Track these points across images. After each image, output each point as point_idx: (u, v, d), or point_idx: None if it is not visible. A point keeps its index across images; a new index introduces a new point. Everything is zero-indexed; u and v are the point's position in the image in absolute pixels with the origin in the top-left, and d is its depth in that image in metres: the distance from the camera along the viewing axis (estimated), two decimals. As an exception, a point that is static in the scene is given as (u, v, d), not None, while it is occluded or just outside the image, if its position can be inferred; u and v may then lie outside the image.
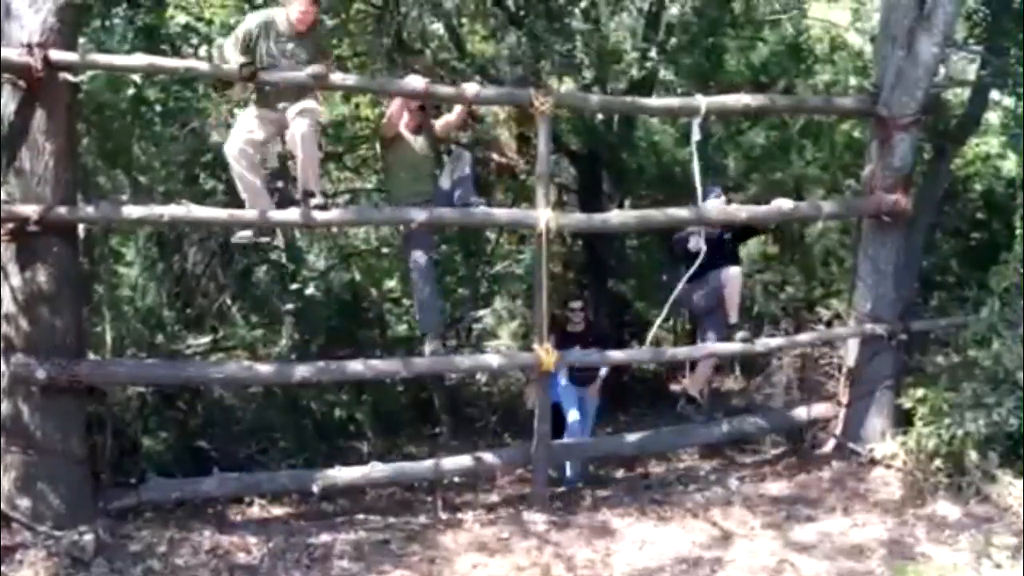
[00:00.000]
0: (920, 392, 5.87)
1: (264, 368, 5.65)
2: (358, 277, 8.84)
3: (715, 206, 6.01)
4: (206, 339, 7.12)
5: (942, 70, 8.03)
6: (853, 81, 8.90)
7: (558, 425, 6.24)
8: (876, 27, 6.88)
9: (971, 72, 7.50)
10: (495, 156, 9.46)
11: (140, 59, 5.09)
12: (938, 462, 5.70)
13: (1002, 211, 8.19)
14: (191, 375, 5.65)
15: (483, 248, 9.70)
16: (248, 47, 5.11)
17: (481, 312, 9.74)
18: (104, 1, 5.61)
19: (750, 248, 8.46)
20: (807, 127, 7.64)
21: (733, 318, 6.26)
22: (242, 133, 5.28)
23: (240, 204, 5.35)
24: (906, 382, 6.25)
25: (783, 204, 6.13)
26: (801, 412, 6.77)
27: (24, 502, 4.88)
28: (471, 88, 5.55)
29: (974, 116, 7.07)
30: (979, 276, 6.40)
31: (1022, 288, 5.93)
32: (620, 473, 6.58)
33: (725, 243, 6.26)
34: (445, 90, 5.76)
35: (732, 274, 6.17)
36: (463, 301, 9.32)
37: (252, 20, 5.22)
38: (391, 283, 9.34)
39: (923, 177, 7.11)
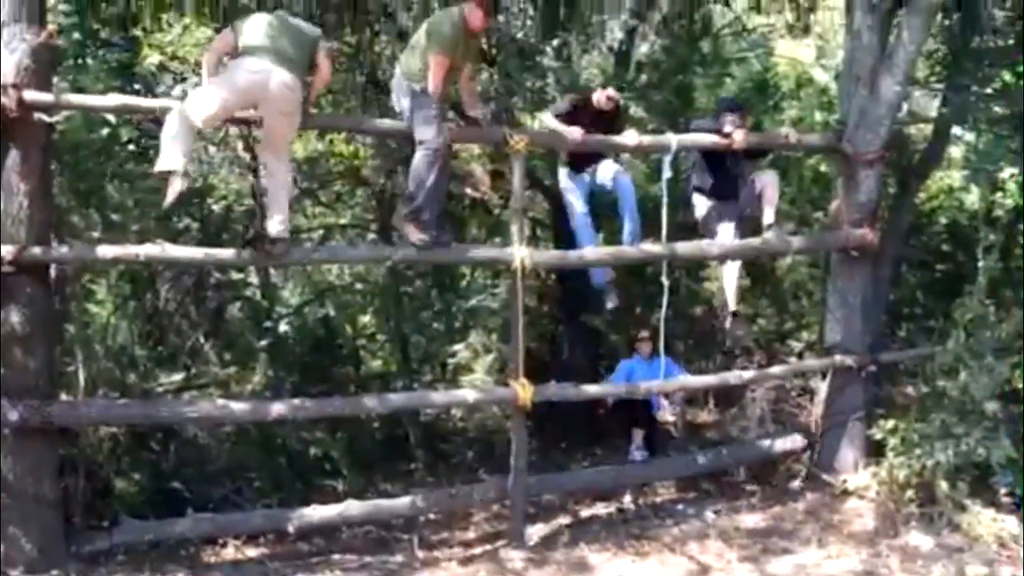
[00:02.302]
0: (890, 423, 5.97)
1: (238, 406, 5.61)
2: (332, 313, 8.83)
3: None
4: (179, 377, 7.09)
5: (905, 107, 8.26)
6: (819, 116, 9.09)
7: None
8: (841, 64, 7.06)
9: (934, 108, 7.69)
10: (469, 191, 9.52)
11: (114, 99, 5.12)
12: (910, 493, 5.79)
13: (966, 243, 8.35)
14: (164, 414, 5.59)
15: (458, 282, 9.74)
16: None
17: (456, 347, 9.76)
18: (79, 42, 5.61)
19: (722, 281, 8.57)
20: (775, 162, 7.78)
21: (770, 217, 6.30)
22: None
23: (214, 243, 5.36)
24: (877, 413, 6.34)
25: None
26: (775, 444, 6.84)
27: (-5, 546, 4.82)
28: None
29: (936, 152, 7.25)
30: (945, 307, 6.52)
31: (986, 319, 6.05)
32: (596, 507, 6.57)
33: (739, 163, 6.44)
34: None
35: (768, 177, 6.36)
36: (438, 335, 9.33)
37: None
38: (366, 319, 9.34)
39: (889, 211, 7.27)
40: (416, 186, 5.40)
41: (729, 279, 6.50)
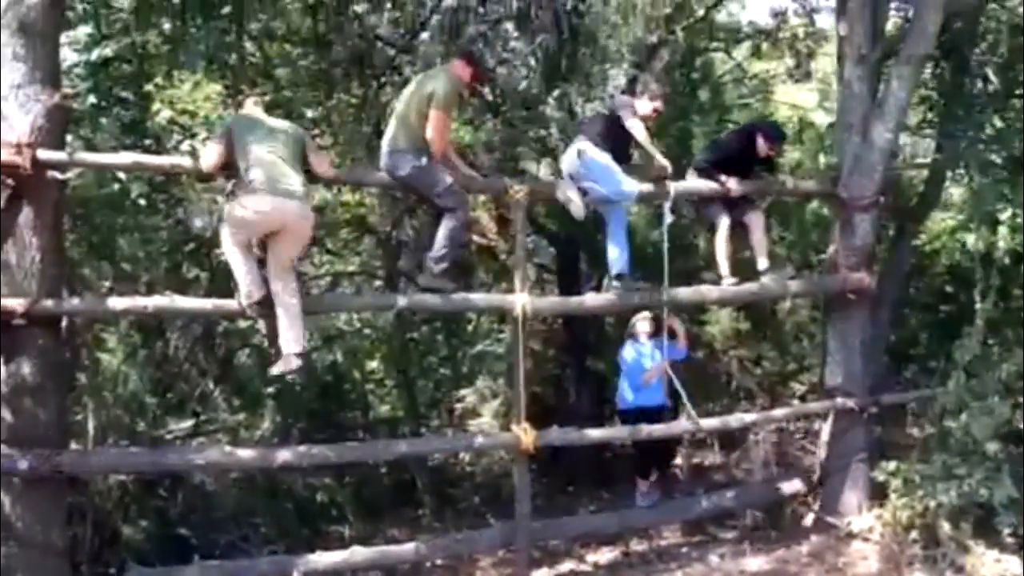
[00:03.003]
0: (892, 465, 5.98)
1: (245, 453, 5.70)
2: (340, 359, 8.93)
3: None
4: (188, 423, 7.17)
5: (908, 150, 8.39)
6: (823, 159, 9.21)
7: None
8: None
9: (931, 151, 7.81)
10: (476, 237, 9.67)
11: (126, 157, 5.28)
12: (913, 534, 5.78)
13: (968, 284, 8.41)
14: (172, 462, 5.65)
15: (464, 328, 9.85)
16: None
17: (463, 391, 9.83)
18: (94, 105, 5.79)
19: (723, 325, 8.65)
20: (775, 206, 7.90)
21: (764, 264, 6.38)
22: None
23: (222, 292, 5.47)
24: (880, 455, 6.35)
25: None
26: (779, 487, 6.86)
27: (4, 595, 4.88)
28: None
29: (932, 195, 7.35)
30: (948, 348, 6.56)
31: (986, 360, 6.09)
32: (601, 551, 6.58)
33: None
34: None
35: (755, 219, 6.44)
36: (444, 380, 9.42)
37: None
38: (373, 364, 9.44)
39: (887, 254, 7.35)
40: (451, 249, 5.56)
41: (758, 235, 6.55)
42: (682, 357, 6.72)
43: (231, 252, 5.14)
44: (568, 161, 6.02)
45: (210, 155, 5.09)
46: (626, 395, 6.70)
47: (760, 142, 6.33)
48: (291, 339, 5.12)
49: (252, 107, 5.40)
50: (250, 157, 5.00)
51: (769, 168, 6.69)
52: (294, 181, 5.04)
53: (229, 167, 5.08)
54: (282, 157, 5.07)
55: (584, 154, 5.90)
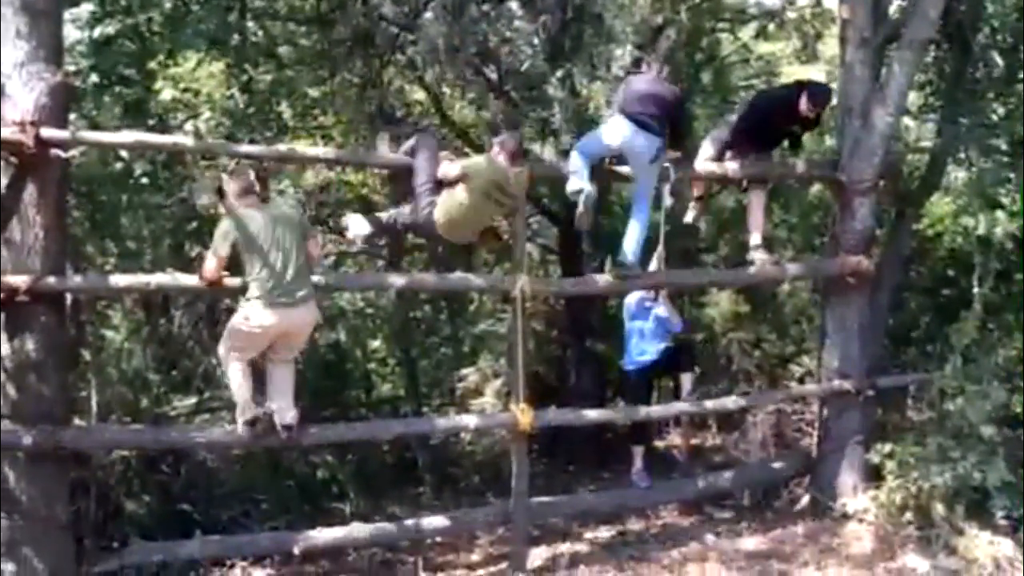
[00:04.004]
0: (888, 447, 6.04)
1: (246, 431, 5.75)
2: (343, 338, 8.98)
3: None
4: (192, 401, 7.23)
5: (912, 135, 8.37)
6: (829, 141, 9.18)
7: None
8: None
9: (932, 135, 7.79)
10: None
11: (129, 136, 5.32)
12: (907, 516, 5.87)
13: (969, 268, 8.42)
14: (175, 439, 5.70)
15: (466, 308, 9.89)
16: None
17: (465, 371, 9.89)
18: (97, 84, 5.82)
19: (723, 307, 8.68)
20: (777, 189, 7.90)
21: (756, 239, 6.37)
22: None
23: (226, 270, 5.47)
24: (876, 437, 6.40)
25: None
26: (776, 468, 6.93)
27: (9, 567, 4.95)
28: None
29: (933, 180, 7.34)
30: (947, 332, 6.59)
31: (983, 344, 6.13)
32: (599, 530, 6.65)
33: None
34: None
35: (756, 198, 6.43)
36: (446, 360, 9.47)
37: None
38: (375, 344, 9.49)
39: (887, 238, 7.36)
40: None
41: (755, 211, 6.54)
42: (678, 330, 6.78)
43: (231, 365, 5.08)
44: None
45: (210, 266, 4.99)
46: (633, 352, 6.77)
47: (804, 101, 6.15)
48: (284, 408, 5.13)
49: (247, 194, 5.11)
50: (254, 262, 4.92)
51: (798, 137, 6.62)
52: (299, 283, 4.98)
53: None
54: (286, 257, 4.96)
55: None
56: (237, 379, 5.07)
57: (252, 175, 5.24)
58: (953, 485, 5.68)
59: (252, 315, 4.92)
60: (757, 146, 6.34)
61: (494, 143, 5.74)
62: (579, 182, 5.74)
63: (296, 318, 5.01)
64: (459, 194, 5.44)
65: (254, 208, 5.08)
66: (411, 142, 5.66)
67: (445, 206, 5.45)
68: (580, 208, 5.77)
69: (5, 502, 4.97)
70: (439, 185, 5.51)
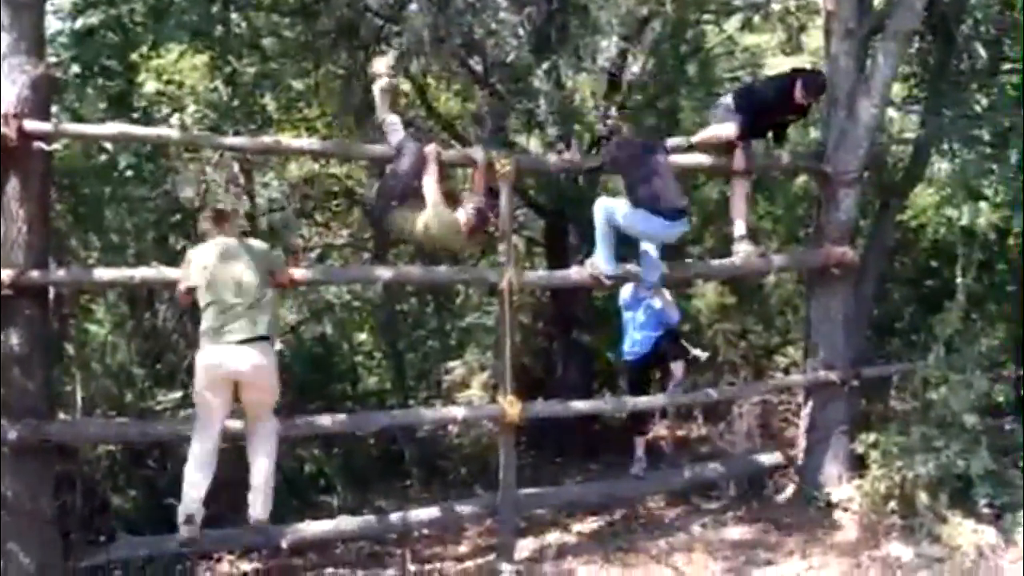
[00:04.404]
0: (872, 437, 6.09)
1: (232, 423, 5.73)
2: (329, 331, 8.96)
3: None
4: (177, 395, 7.20)
5: (896, 127, 8.41)
6: (814, 133, 9.21)
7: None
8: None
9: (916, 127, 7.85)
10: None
11: (112, 128, 5.28)
12: (891, 505, 5.90)
13: (953, 259, 8.48)
14: (161, 432, 5.70)
15: (453, 300, 9.89)
16: None
17: (452, 364, 9.89)
18: (79, 75, 5.77)
19: (708, 299, 8.72)
20: (761, 181, 7.93)
21: (740, 229, 6.32)
22: None
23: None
24: (861, 427, 6.45)
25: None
26: (762, 458, 6.97)
27: (-5, 562, 4.94)
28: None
29: (917, 171, 7.39)
30: (931, 323, 6.65)
31: (966, 334, 6.18)
32: (587, 521, 6.68)
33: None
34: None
35: (739, 188, 6.36)
36: (433, 353, 9.47)
37: None
38: (362, 336, 9.48)
39: (871, 229, 7.41)
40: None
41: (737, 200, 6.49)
42: (675, 321, 6.79)
43: (192, 442, 4.80)
44: None
45: (180, 291, 4.87)
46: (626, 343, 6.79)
47: (799, 89, 6.12)
48: (259, 503, 4.85)
49: (218, 224, 5.00)
50: (205, 296, 4.68)
51: (784, 128, 6.63)
52: (250, 323, 4.64)
53: None
54: (239, 293, 4.66)
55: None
56: (189, 466, 4.73)
57: (226, 206, 5.15)
58: (937, 474, 5.72)
59: (200, 355, 4.68)
60: (749, 136, 6.34)
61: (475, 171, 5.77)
62: (604, 262, 5.85)
63: (242, 359, 4.61)
64: (423, 218, 5.45)
65: (217, 238, 4.90)
66: (398, 138, 5.62)
67: (429, 220, 5.43)
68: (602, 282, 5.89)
69: (-10, 497, 4.95)
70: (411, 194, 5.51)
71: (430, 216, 5.41)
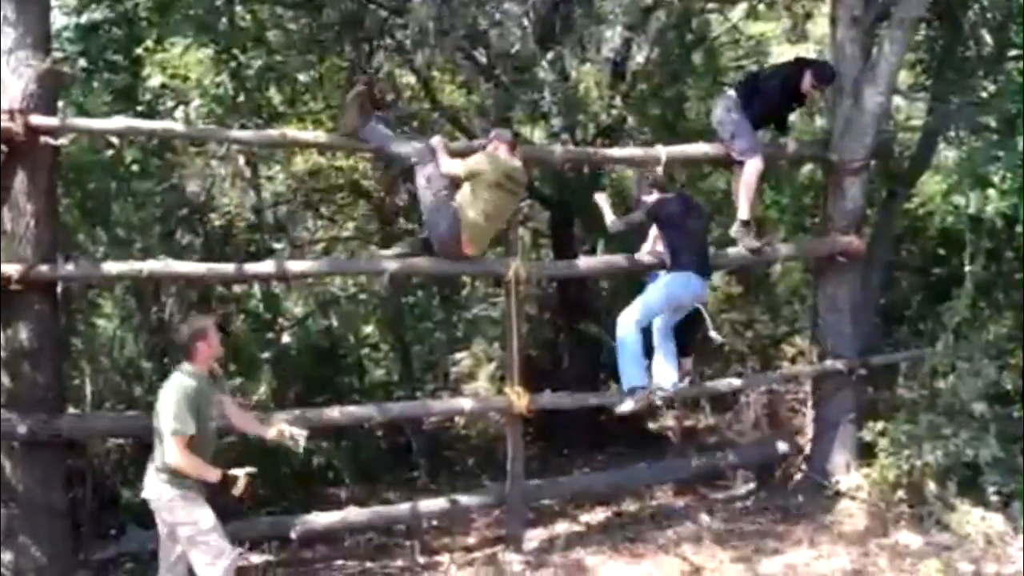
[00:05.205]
0: (880, 425, 6.08)
1: (241, 416, 5.75)
2: (336, 324, 8.98)
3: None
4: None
5: (903, 114, 8.37)
6: (820, 121, 9.19)
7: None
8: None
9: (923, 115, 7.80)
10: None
11: (118, 122, 5.30)
12: (900, 493, 5.90)
13: (960, 247, 8.46)
14: (170, 426, 5.71)
15: (459, 292, 9.90)
16: None
17: (459, 356, 9.90)
18: (85, 70, 5.78)
19: (715, 288, 8.70)
20: (767, 170, 7.88)
21: (744, 213, 6.21)
22: None
23: (217, 257, 5.47)
24: (869, 415, 6.44)
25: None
26: (769, 448, 6.97)
27: (7, 555, 4.97)
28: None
29: (923, 159, 7.36)
30: (938, 310, 6.63)
31: (974, 322, 6.16)
32: (595, 511, 6.70)
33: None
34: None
35: (745, 172, 6.18)
36: (439, 345, 9.48)
37: None
38: (369, 329, 9.49)
39: (878, 217, 7.38)
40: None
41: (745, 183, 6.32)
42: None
43: None
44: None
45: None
46: None
47: (807, 78, 6.12)
48: None
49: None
50: None
51: (785, 118, 6.60)
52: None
53: None
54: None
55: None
56: None
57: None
58: (945, 462, 5.71)
59: None
60: (756, 126, 6.31)
61: (490, 139, 5.69)
62: (636, 374, 5.78)
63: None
64: (473, 203, 5.41)
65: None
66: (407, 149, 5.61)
67: (463, 218, 5.42)
68: (630, 407, 5.82)
69: (2, 490, 4.98)
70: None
71: (480, 171, 5.40)
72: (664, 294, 5.79)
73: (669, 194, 5.98)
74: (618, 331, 5.81)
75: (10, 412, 4.95)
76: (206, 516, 4.34)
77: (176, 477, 4.27)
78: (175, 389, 4.29)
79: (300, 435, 4.32)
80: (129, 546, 5.35)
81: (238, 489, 4.15)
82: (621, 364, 5.80)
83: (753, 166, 6.12)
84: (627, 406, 5.85)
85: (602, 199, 6.13)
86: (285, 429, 4.36)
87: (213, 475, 4.27)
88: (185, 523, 4.30)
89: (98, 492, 5.77)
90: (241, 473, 4.18)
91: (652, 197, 5.94)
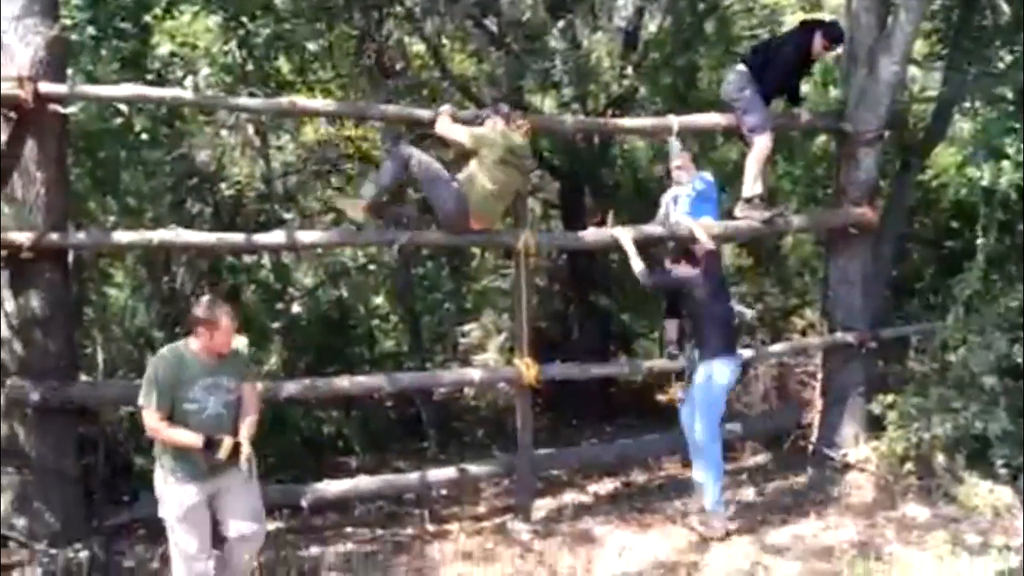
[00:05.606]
0: (889, 398, 6.08)
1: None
2: (346, 294, 8.99)
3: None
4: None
5: (918, 85, 8.28)
6: (834, 92, 9.09)
7: None
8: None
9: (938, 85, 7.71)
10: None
11: (127, 89, 5.27)
12: (908, 465, 5.93)
13: (973, 220, 8.39)
14: (181, 394, 5.75)
15: (469, 263, 9.89)
16: None
17: (468, 326, 9.92)
18: (93, 37, 5.75)
19: (725, 261, 8.66)
20: (779, 141, 7.82)
21: (747, 191, 6.12)
22: None
23: (227, 226, 5.47)
24: (878, 388, 6.44)
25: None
26: (778, 420, 6.98)
27: (20, 521, 5.02)
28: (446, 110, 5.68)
29: (938, 130, 7.29)
30: (950, 283, 6.59)
31: (985, 295, 6.13)
32: (603, 482, 6.73)
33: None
34: (421, 113, 5.80)
35: (754, 147, 6.07)
36: (449, 316, 9.50)
37: None
38: (378, 300, 9.51)
39: (891, 189, 7.32)
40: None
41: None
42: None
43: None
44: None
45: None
46: None
47: (818, 40, 6.00)
48: None
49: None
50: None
51: (798, 83, 6.50)
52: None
53: None
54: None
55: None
56: None
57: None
58: (954, 435, 5.73)
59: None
60: (769, 96, 6.23)
61: (488, 115, 5.63)
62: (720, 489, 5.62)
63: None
64: (480, 179, 5.36)
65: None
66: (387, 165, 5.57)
67: (472, 192, 5.37)
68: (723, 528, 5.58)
69: (15, 457, 5.03)
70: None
71: (487, 140, 5.36)
72: (718, 393, 5.62)
73: (696, 271, 5.66)
74: (700, 440, 5.65)
75: (23, 379, 4.98)
76: (191, 542, 4.22)
77: (161, 457, 4.21)
78: (152, 362, 4.25)
79: (243, 464, 4.21)
80: (141, 512, 5.37)
81: (224, 452, 4.10)
82: (707, 474, 5.62)
83: (761, 143, 6.04)
84: (719, 528, 5.55)
85: (626, 239, 5.77)
86: (245, 452, 4.21)
87: (189, 438, 4.07)
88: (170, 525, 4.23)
89: (110, 459, 5.81)
90: (226, 438, 4.13)
91: (682, 269, 5.75)
